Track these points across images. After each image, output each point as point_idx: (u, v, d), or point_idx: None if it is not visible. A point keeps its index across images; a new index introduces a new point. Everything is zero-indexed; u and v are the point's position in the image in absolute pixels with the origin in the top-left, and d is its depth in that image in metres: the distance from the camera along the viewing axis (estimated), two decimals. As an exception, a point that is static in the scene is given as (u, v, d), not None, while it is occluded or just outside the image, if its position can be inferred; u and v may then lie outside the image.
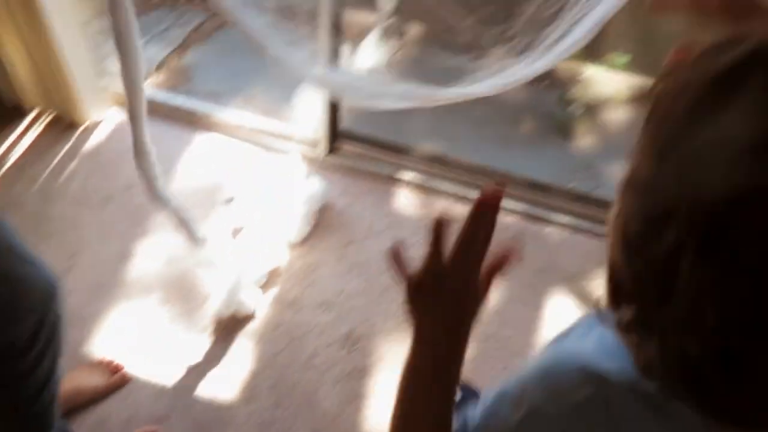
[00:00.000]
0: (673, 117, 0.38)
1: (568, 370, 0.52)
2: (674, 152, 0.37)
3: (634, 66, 2.11)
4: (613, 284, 0.44)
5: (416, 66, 2.37)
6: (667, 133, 0.39)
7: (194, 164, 1.91)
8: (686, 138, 0.36)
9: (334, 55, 1.71)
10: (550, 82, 2.32)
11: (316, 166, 1.93)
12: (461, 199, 1.91)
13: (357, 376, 1.50)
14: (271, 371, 1.49)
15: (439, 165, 1.97)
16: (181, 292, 1.61)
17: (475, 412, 0.59)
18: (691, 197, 0.35)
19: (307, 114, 1.99)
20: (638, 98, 2.17)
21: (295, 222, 1.72)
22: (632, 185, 0.41)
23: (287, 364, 1.50)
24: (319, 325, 1.58)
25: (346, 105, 1.93)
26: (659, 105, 0.41)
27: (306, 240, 1.74)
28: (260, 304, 1.58)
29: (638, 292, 0.40)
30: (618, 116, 2.26)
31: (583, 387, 0.49)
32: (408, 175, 1.95)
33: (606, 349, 0.50)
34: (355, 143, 1.97)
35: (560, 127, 2.25)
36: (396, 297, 1.63)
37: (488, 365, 1.54)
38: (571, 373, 0.51)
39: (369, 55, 2.27)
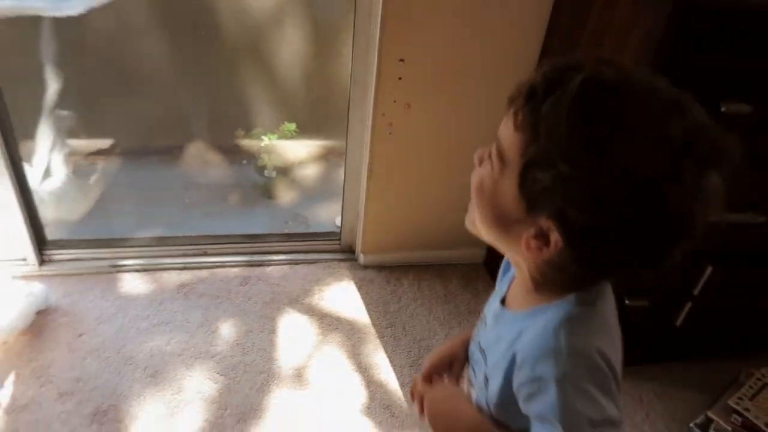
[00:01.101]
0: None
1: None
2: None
3: (301, 131, 2.61)
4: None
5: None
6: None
7: None
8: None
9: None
10: (246, 158, 2.71)
11: (32, 280, 1.94)
12: (187, 267, 2.09)
13: (112, 443, 1.53)
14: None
15: (158, 245, 2.14)
16: None
17: None
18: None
19: (9, 233, 2.00)
20: (313, 157, 2.68)
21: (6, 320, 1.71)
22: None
23: (33, 461, 1.47)
24: (62, 414, 1.57)
25: (48, 216, 2.02)
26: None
27: (33, 344, 1.74)
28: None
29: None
30: (304, 172, 2.72)
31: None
32: (129, 262, 2.07)
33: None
34: (66, 249, 2.04)
35: (264, 191, 2.61)
36: (137, 363, 1.71)
37: (239, 388, 1.70)
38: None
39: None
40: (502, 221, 0.62)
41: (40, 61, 2.23)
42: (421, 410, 0.82)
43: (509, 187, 0.59)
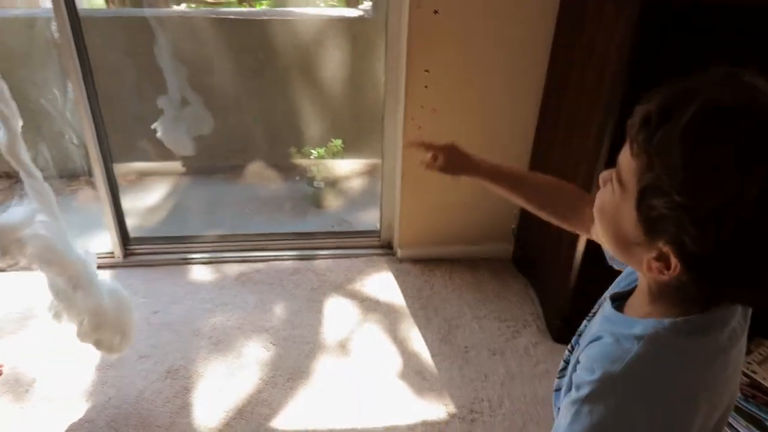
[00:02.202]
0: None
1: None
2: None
3: (347, 148, 2.92)
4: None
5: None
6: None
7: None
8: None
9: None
10: (298, 174, 3.03)
11: (118, 269, 2.29)
12: (245, 260, 2.39)
13: (183, 393, 1.79)
14: (105, 413, 1.72)
15: (221, 242, 2.46)
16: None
17: None
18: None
19: (101, 231, 2.36)
20: (357, 173, 2.97)
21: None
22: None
23: (119, 405, 1.75)
24: (141, 371, 1.86)
25: (132, 219, 2.38)
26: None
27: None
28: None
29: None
30: (349, 185, 3.02)
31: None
32: (197, 256, 2.39)
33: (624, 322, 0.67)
34: (145, 244, 2.39)
35: (313, 200, 2.92)
36: (203, 334, 1.99)
37: (289, 354, 1.95)
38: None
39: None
40: (623, 242, 0.63)
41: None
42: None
43: (628, 211, 0.60)
